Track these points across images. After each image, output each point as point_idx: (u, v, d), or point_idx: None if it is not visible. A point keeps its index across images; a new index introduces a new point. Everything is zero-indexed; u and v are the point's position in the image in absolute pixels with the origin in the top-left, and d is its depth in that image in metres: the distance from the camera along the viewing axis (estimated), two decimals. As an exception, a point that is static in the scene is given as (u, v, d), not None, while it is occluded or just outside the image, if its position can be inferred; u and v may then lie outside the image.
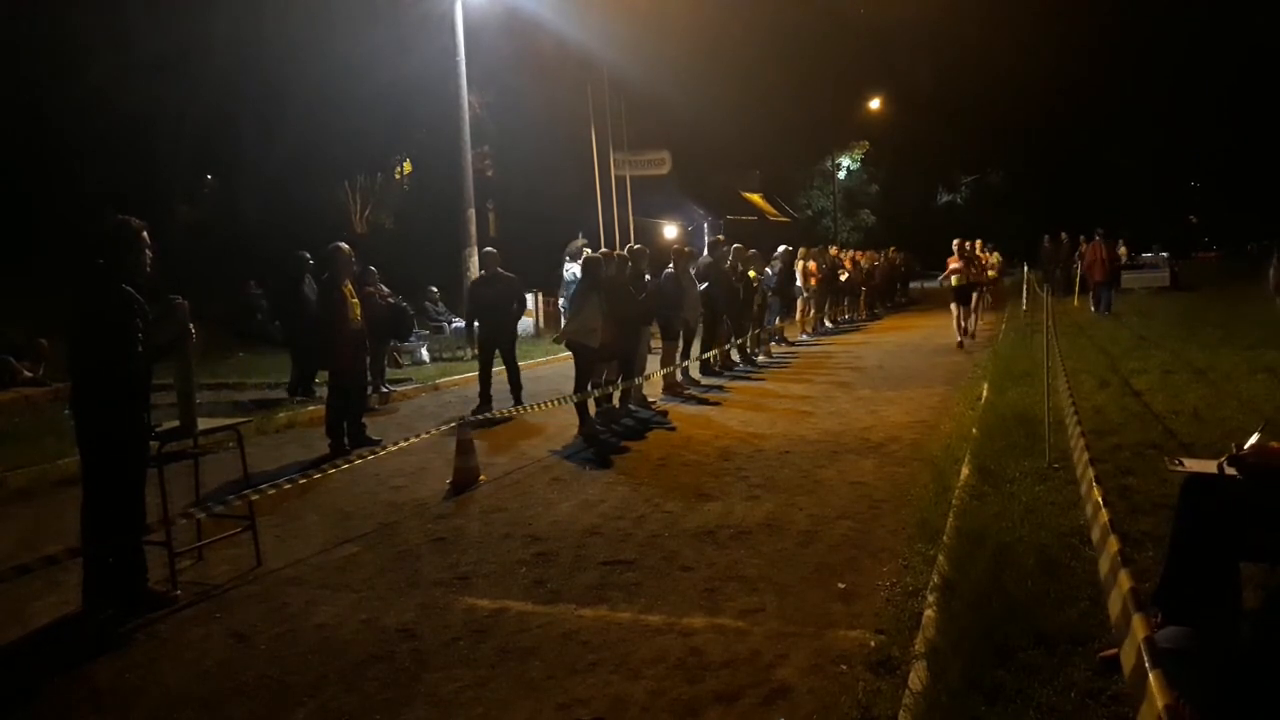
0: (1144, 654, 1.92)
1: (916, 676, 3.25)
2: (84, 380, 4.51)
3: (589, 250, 11.36)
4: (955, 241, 15.65)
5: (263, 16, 20.58)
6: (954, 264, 15.15)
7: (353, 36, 21.43)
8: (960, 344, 14.66)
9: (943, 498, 5.56)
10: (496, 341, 10.06)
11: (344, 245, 8.21)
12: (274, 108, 22.68)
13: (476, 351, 10.73)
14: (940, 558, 4.43)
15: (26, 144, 19.52)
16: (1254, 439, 3.26)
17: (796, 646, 3.75)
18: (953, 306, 15.26)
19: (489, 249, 10.45)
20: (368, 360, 8.97)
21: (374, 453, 6.32)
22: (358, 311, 8.14)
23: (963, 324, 15.13)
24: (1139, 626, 2.06)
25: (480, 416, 8.36)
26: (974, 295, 15.58)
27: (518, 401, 9.79)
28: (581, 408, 8.68)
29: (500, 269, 10.07)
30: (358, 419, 8.32)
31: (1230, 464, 3.19)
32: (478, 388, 10.08)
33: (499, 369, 10.10)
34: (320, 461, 7.44)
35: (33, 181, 19.82)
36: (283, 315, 11.87)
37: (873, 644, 3.70)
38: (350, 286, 8.15)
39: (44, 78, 19.52)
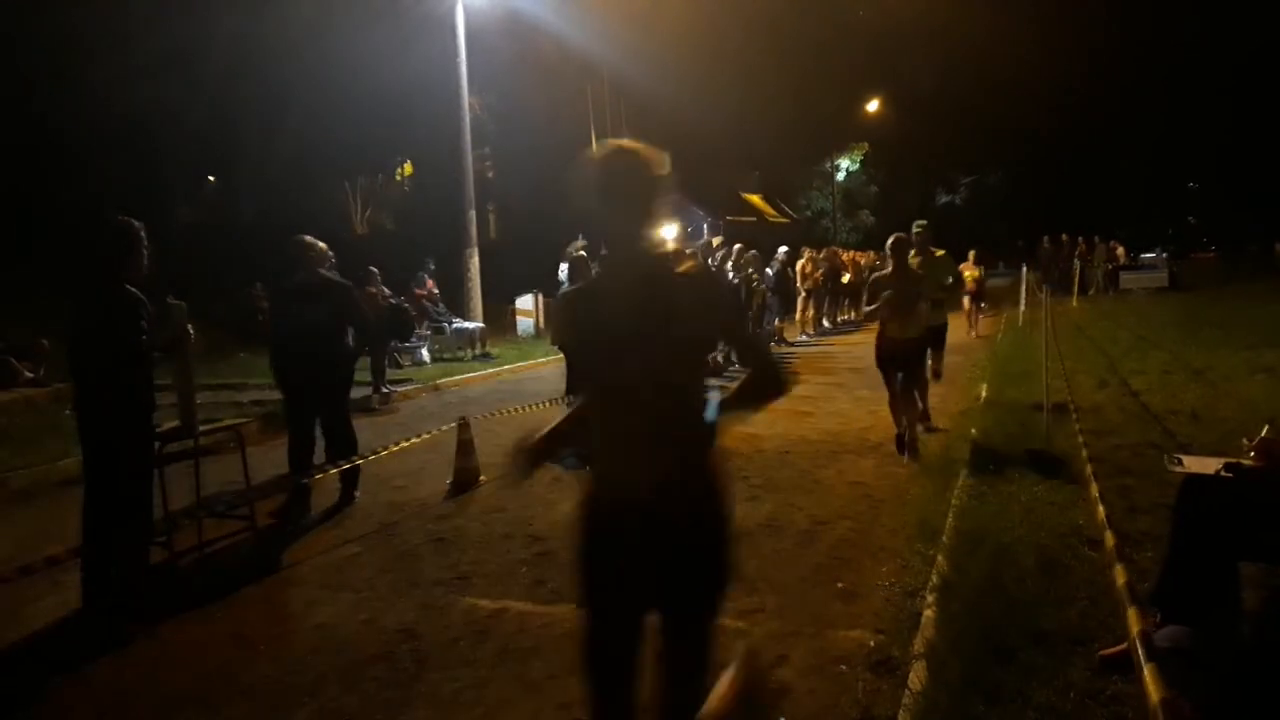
0: (1142, 649, 1.92)
1: (916, 676, 3.25)
2: (87, 381, 4.50)
3: (583, 253, 11.21)
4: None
5: (263, 17, 20.58)
6: (886, 279, 6.91)
7: (353, 37, 21.43)
8: (909, 445, 6.94)
9: (942, 498, 5.57)
10: (310, 391, 6.14)
11: (305, 240, 6.33)
12: (274, 109, 22.69)
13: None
14: (939, 558, 4.44)
15: (26, 144, 19.52)
16: (1264, 432, 3.28)
17: (796, 646, 3.75)
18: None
19: (305, 237, 6.26)
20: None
21: (374, 452, 6.31)
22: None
23: (902, 410, 7.03)
24: (1134, 620, 2.07)
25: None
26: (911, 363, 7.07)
27: (336, 456, 6.16)
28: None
29: (328, 272, 6.23)
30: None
31: (1227, 470, 3.21)
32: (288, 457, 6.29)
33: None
34: (320, 462, 7.43)
35: (32, 182, 19.80)
36: None
37: (872, 644, 3.70)
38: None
39: (44, 78, 19.50)
